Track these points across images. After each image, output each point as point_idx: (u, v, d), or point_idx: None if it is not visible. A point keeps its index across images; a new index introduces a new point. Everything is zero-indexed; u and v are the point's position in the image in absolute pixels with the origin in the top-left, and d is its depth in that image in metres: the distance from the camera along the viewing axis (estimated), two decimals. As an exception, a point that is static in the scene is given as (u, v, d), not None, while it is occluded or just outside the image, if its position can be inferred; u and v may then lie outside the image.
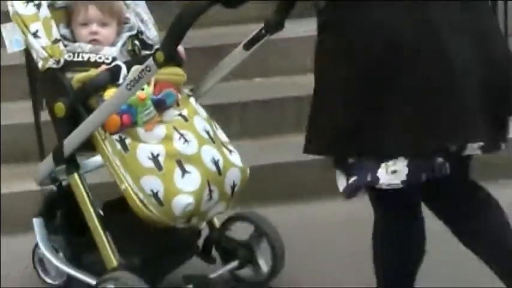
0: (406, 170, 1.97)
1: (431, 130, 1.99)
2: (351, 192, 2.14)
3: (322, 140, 2.16)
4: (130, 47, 2.73)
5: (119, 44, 2.69)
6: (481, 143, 2.00)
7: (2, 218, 3.29)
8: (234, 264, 2.82)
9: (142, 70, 2.38)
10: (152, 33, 2.79)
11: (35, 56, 2.57)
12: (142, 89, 2.50)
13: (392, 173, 1.99)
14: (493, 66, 2.07)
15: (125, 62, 2.57)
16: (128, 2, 2.77)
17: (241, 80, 3.82)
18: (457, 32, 2.03)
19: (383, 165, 2.03)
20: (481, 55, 2.05)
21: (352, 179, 2.10)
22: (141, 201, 2.49)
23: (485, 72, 2.04)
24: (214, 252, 2.86)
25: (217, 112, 3.51)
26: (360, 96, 2.09)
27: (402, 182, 1.99)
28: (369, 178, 2.06)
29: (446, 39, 2.02)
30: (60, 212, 2.88)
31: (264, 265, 2.88)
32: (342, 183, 2.14)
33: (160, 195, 2.48)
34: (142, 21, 2.81)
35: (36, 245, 2.85)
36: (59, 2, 2.71)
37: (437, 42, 2.01)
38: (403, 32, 2.01)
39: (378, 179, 2.02)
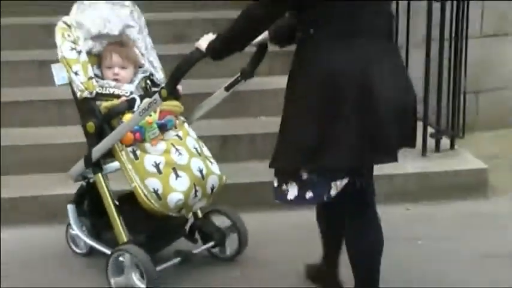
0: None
1: (363, 155, 2.44)
2: (302, 203, 2.57)
3: (286, 157, 2.53)
4: (143, 85, 3.19)
5: (135, 82, 3.14)
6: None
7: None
8: (211, 244, 3.27)
9: (151, 102, 2.83)
10: (160, 76, 3.23)
11: (75, 88, 3.02)
12: (150, 115, 2.96)
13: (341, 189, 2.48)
14: (403, 107, 2.53)
15: (139, 95, 3.03)
16: (143, 51, 3.23)
17: (250, 118, 4.39)
18: (384, 74, 2.45)
19: (333, 184, 2.48)
20: (396, 99, 2.47)
21: (308, 195, 2.52)
22: (146, 196, 2.93)
23: (399, 111, 2.48)
24: (197, 235, 3.30)
25: (232, 141, 4.13)
26: (317, 124, 2.44)
27: None
28: (325, 198, 2.52)
29: (377, 82, 2.42)
30: (87, 201, 3.28)
31: (232, 246, 3.31)
32: (293, 193, 2.54)
33: (160, 192, 2.93)
34: (153, 66, 3.26)
35: (69, 224, 3.28)
36: (93, 50, 3.14)
37: (370, 85, 2.41)
38: (349, 75, 2.39)
39: (331, 196, 2.50)
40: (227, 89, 3.07)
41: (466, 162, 4.31)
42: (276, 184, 2.58)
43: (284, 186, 2.55)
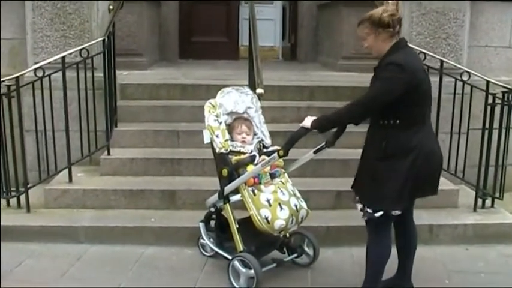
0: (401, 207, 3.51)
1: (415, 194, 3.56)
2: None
3: (384, 201, 3.45)
4: (258, 146, 4.11)
5: (254, 144, 4.08)
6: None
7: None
8: (294, 255, 4.20)
9: (271, 158, 3.70)
10: (268, 142, 4.21)
11: (215, 146, 3.89)
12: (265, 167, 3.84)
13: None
14: (441, 164, 3.62)
15: (257, 153, 3.96)
16: (257, 124, 4.17)
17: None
18: (435, 145, 3.50)
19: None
20: (440, 163, 3.60)
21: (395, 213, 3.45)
22: (259, 220, 3.76)
23: (440, 165, 3.60)
24: (285, 249, 4.17)
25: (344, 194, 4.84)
26: (409, 177, 3.39)
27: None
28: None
29: (435, 149, 3.48)
30: (215, 221, 4.21)
31: (309, 256, 4.22)
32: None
33: (269, 219, 3.76)
34: (263, 134, 4.23)
35: (200, 236, 4.25)
36: (227, 121, 4.05)
37: (433, 151, 3.47)
38: (423, 146, 3.38)
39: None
40: (315, 152, 3.82)
41: (504, 217, 5.26)
42: (371, 211, 3.52)
43: (377, 213, 3.50)
